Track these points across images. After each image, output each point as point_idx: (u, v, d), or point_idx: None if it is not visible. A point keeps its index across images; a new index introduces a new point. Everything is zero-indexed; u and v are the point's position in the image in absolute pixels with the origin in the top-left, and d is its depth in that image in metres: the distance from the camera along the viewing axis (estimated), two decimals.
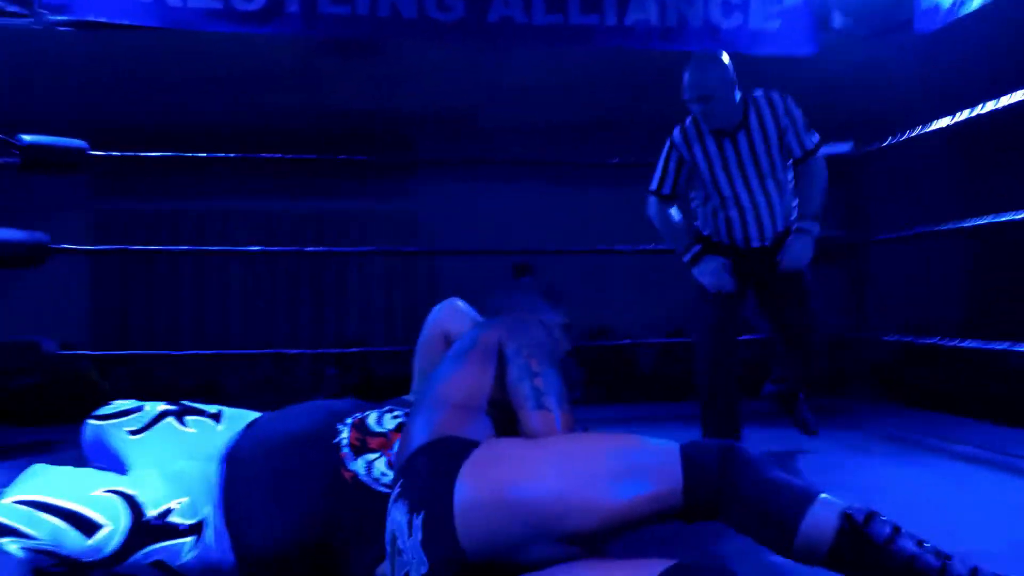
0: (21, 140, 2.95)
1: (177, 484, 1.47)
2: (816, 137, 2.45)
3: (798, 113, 2.41)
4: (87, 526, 1.36)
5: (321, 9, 3.52)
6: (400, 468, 1.34)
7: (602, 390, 5.28)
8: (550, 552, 1.20)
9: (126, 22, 3.48)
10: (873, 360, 5.80)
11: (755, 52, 3.68)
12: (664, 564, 1.15)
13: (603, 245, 4.41)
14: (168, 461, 1.51)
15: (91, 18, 3.45)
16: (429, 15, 3.56)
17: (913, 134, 3.24)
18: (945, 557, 1.15)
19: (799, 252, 2.38)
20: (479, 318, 1.77)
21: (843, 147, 3.50)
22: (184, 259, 6.43)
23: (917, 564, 1.14)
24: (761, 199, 2.42)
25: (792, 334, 2.51)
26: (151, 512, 1.41)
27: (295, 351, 5.13)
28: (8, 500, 1.38)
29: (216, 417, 1.59)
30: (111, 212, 6.40)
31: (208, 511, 1.44)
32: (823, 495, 1.22)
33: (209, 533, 1.41)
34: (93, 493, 1.39)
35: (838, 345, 4.17)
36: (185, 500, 1.45)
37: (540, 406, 1.42)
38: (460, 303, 1.88)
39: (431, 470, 1.27)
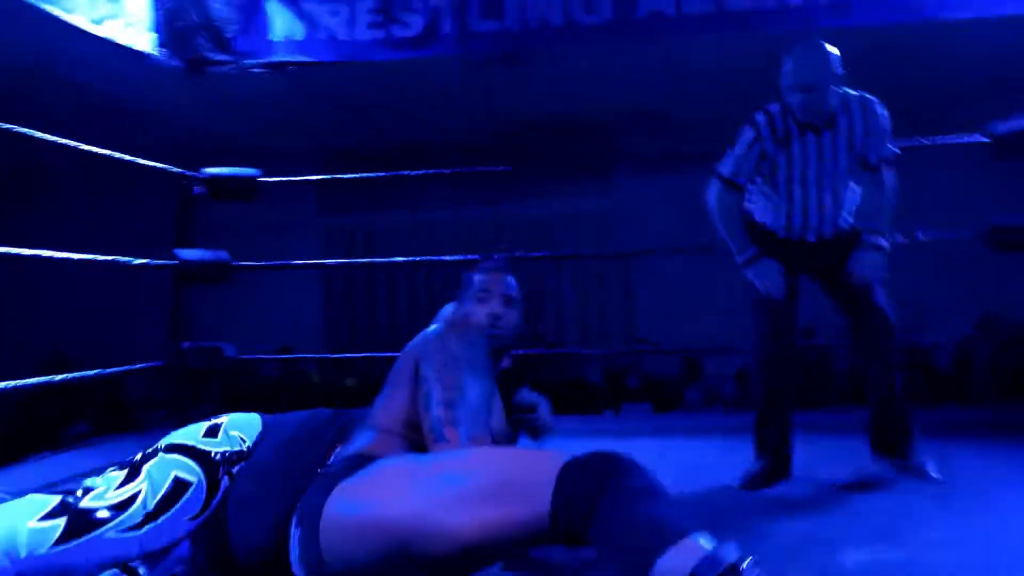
0: (204, 173, 3.37)
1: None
2: (895, 149, 2.34)
3: (886, 120, 2.29)
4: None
5: (473, 27, 3.63)
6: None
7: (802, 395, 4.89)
8: (413, 572, 1.14)
9: (305, 60, 3.85)
10: None
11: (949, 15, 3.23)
12: None
13: None
14: None
15: (276, 60, 3.87)
16: (576, 20, 3.53)
17: None
18: None
19: (871, 266, 2.26)
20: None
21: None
22: (398, 269, 6.93)
23: None
24: (828, 198, 2.30)
25: (866, 328, 2.32)
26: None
27: None
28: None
29: (251, 448, 1.63)
30: (336, 227, 7.07)
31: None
32: (689, 537, 1.01)
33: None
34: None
35: None
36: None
37: (441, 438, 1.33)
38: (450, 315, 1.80)
39: (317, 487, 1.25)
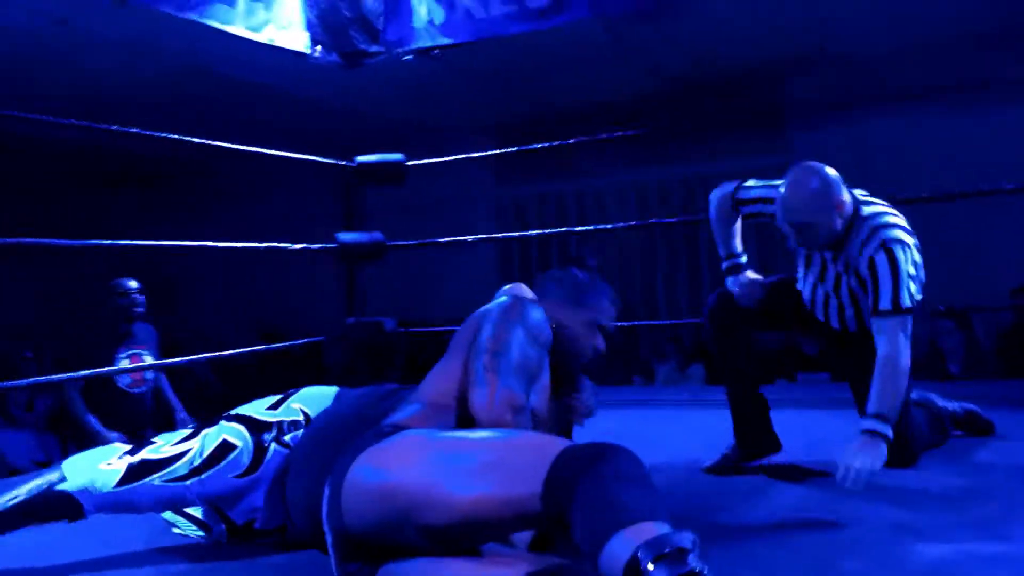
0: (355, 161, 3.60)
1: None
2: (904, 301, 1.89)
3: (884, 270, 1.90)
4: (207, 528, 1.78)
5: None
6: None
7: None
8: (417, 539, 1.20)
9: (447, 42, 3.98)
10: None
11: None
12: (534, 566, 1.12)
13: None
14: None
15: (421, 46, 4.04)
16: None
17: None
18: None
19: (862, 461, 1.75)
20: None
21: None
22: (570, 237, 6.98)
23: None
24: (834, 306, 2.08)
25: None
26: (239, 521, 1.75)
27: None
28: None
29: (308, 423, 1.78)
30: (506, 198, 7.25)
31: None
32: (644, 522, 1.02)
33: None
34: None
35: None
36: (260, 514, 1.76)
37: (481, 382, 1.39)
38: (522, 287, 1.81)
39: (350, 451, 1.32)
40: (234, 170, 7.46)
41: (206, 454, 1.69)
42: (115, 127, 2.86)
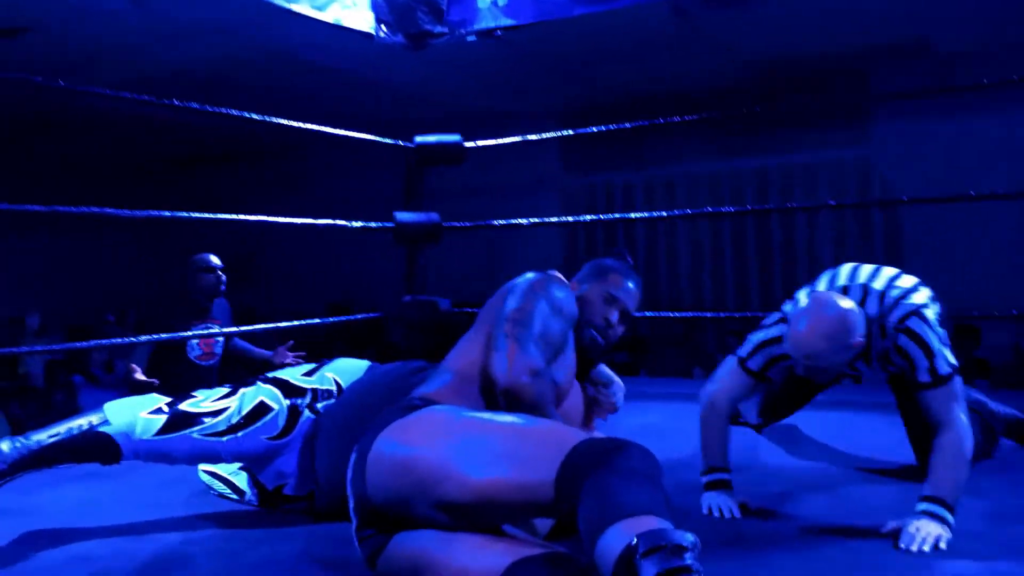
0: (415, 142, 3.61)
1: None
2: (942, 369, 1.74)
3: (914, 348, 1.76)
4: (239, 491, 1.88)
5: None
6: None
7: None
8: (434, 515, 1.23)
9: (510, 23, 3.95)
10: None
11: None
12: (538, 551, 1.14)
13: None
14: None
15: (485, 27, 4.01)
16: None
17: None
18: None
19: (920, 540, 1.54)
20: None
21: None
22: (636, 225, 6.87)
23: None
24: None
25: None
26: (270, 486, 1.82)
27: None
28: (203, 469, 1.94)
29: (340, 393, 1.82)
30: (575, 186, 7.19)
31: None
32: (642, 516, 1.00)
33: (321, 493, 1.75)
34: (238, 468, 1.89)
35: None
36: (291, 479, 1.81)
37: (501, 346, 1.40)
38: (554, 274, 1.77)
39: (378, 422, 1.34)
40: (310, 152, 7.65)
41: (244, 412, 1.75)
42: (193, 105, 2.93)
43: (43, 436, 1.69)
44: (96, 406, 1.89)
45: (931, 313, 1.82)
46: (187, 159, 8.53)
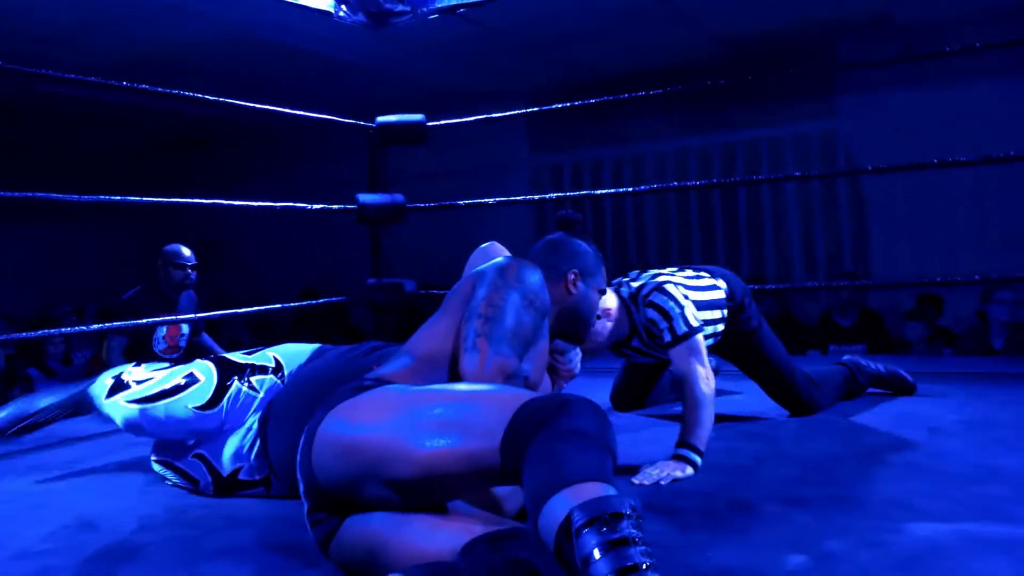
0: (376, 122, 3.56)
1: (239, 442, 1.81)
2: (679, 329, 2.09)
3: (657, 316, 2.14)
4: (192, 481, 1.85)
5: None
6: None
7: None
8: (384, 495, 1.20)
9: (473, 0, 3.89)
10: None
11: None
12: (493, 527, 1.12)
13: None
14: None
15: (447, 4, 3.96)
16: None
17: None
18: None
19: (662, 468, 1.85)
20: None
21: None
22: (604, 202, 6.86)
23: None
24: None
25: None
26: (225, 470, 1.80)
27: None
28: (154, 459, 1.93)
29: (278, 371, 1.81)
30: (542, 166, 7.15)
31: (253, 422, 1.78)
32: (586, 483, 0.98)
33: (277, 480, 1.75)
34: (189, 457, 1.86)
35: None
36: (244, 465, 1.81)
37: (472, 348, 1.36)
38: (497, 246, 1.77)
39: (327, 403, 1.31)
40: (283, 135, 7.54)
41: (171, 383, 1.79)
42: (153, 88, 2.88)
43: (48, 400, 1.93)
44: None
45: (675, 287, 2.16)
46: (150, 145, 8.36)
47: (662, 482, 1.76)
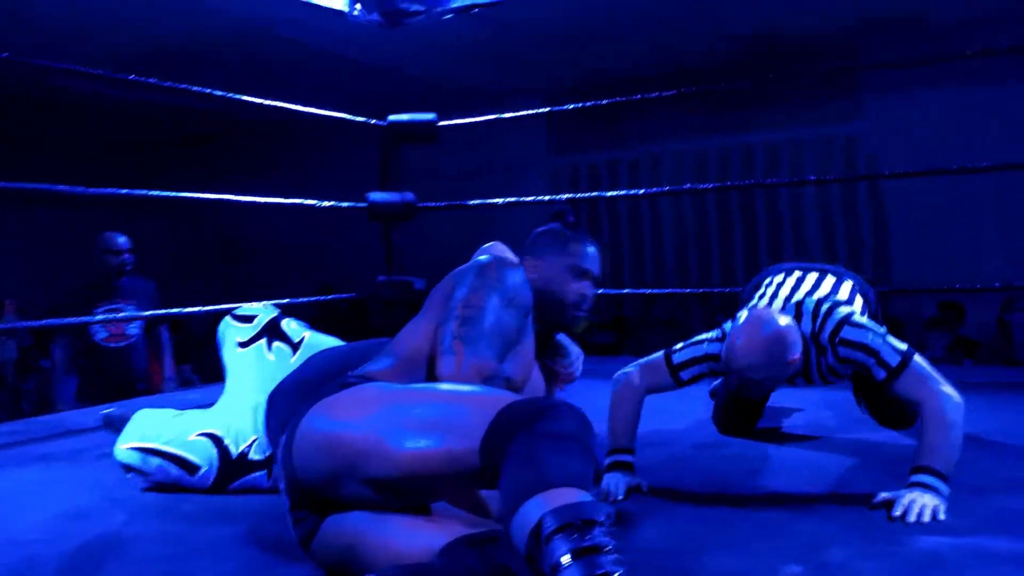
0: (387, 120, 3.55)
1: (253, 420, 1.76)
2: (894, 357, 1.73)
3: (859, 354, 1.77)
4: (189, 467, 1.77)
5: None
6: None
7: None
8: (364, 494, 1.18)
9: (489, 0, 3.88)
10: None
11: None
12: (472, 528, 1.10)
13: None
14: (249, 394, 1.82)
15: (462, 4, 3.94)
16: None
17: None
18: None
19: (923, 498, 1.54)
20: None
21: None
22: (621, 203, 6.80)
23: None
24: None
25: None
26: (234, 451, 1.76)
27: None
28: (123, 447, 1.83)
29: (296, 347, 1.79)
30: (561, 166, 7.12)
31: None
32: (561, 488, 0.95)
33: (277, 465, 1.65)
34: (189, 438, 1.79)
35: None
36: (257, 438, 1.76)
37: (448, 351, 1.33)
38: (500, 246, 1.72)
39: (310, 401, 1.29)
40: (301, 132, 7.56)
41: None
42: (174, 85, 2.89)
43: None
44: None
45: (858, 315, 1.84)
46: (166, 140, 8.42)
47: (923, 519, 1.47)
